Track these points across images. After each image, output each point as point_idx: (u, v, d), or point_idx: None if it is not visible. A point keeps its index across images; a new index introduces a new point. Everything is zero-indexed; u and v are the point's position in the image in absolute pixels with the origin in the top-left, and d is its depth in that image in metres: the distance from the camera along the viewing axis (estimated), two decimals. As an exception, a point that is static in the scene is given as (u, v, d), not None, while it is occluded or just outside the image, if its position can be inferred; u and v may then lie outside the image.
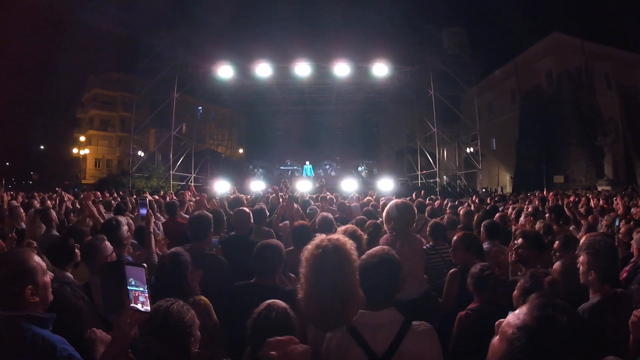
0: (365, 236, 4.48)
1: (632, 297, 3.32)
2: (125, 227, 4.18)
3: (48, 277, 2.37)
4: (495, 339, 1.42)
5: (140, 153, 32.01)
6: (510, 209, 8.39)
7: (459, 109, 27.03)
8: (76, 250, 3.85)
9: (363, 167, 31.64)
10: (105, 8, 32.35)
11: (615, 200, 9.73)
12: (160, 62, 24.89)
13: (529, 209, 7.85)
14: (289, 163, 33.10)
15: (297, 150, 32.64)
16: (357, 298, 2.71)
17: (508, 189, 34.98)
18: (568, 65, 34.30)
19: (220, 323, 3.18)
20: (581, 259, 3.09)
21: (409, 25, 27.68)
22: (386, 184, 16.30)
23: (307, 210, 7.96)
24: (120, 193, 16.13)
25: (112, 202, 10.20)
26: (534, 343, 1.26)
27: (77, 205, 10.26)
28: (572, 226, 7.10)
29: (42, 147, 58.31)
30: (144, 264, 1.86)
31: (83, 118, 52.73)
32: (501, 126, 40.56)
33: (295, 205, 6.83)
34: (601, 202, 10.95)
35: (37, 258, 2.33)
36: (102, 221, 4.91)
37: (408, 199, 8.91)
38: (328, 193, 11.69)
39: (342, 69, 22.21)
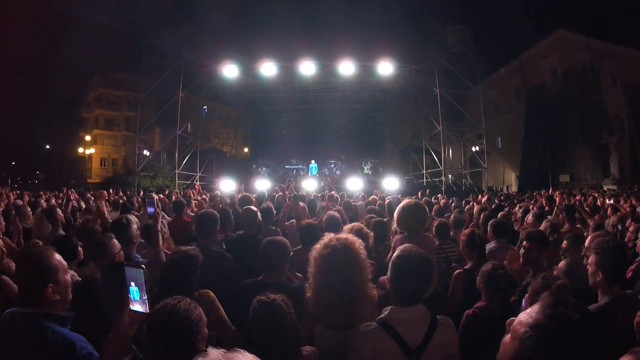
0: (371, 234, 4.48)
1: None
2: (135, 226, 4.20)
3: (69, 275, 2.42)
4: (507, 337, 1.41)
5: (146, 152, 32.11)
6: (517, 208, 8.37)
7: (464, 107, 26.92)
8: (79, 248, 3.87)
9: (368, 165, 31.56)
10: (110, 6, 32.43)
11: (620, 200, 9.71)
12: (165, 61, 24.91)
13: (535, 209, 7.83)
14: (294, 162, 33.07)
15: (302, 149, 32.60)
16: (365, 297, 2.72)
17: (514, 188, 34.89)
18: (573, 63, 34.16)
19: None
20: (590, 259, 3.07)
21: (413, 23, 27.65)
22: (391, 183, 16.30)
23: (317, 209, 7.96)
24: (127, 193, 16.19)
25: (119, 200, 10.24)
26: (546, 341, 1.26)
27: (82, 204, 10.28)
28: (579, 225, 7.07)
29: (47, 146, 58.58)
30: (143, 266, 1.87)
31: (88, 117, 52.89)
32: (506, 124, 40.41)
33: (302, 204, 6.84)
34: (612, 200, 10.91)
35: (58, 257, 2.38)
36: (110, 220, 4.92)
37: (414, 198, 8.89)
38: (334, 192, 11.68)
39: (346, 68, 22.18)
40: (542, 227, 5.26)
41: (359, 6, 29.44)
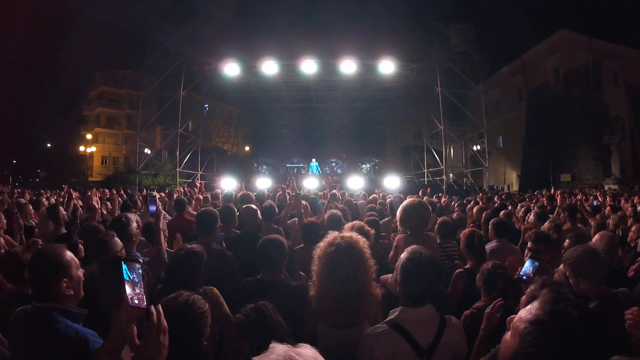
0: (372, 231, 4.47)
1: (634, 296, 3.28)
2: (134, 224, 4.21)
3: (80, 271, 2.46)
4: (507, 334, 1.44)
5: (147, 150, 32.14)
6: (519, 207, 8.37)
7: (466, 107, 26.89)
8: (80, 246, 3.88)
9: (367, 165, 31.58)
10: (111, 4, 32.42)
11: (621, 200, 9.71)
12: (166, 60, 24.92)
13: (536, 208, 7.83)
14: (295, 161, 33.10)
15: (303, 148, 32.67)
16: (369, 296, 2.71)
17: (515, 187, 34.85)
18: (575, 63, 34.05)
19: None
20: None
21: (415, 22, 27.70)
22: (392, 182, 16.29)
23: (318, 207, 7.95)
24: (129, 191, 16.20)
25: (119, 199, 10.25)
26: (547, 337, 1.28)
27: (80, 202, 10.30)
28: (580, 225, 7.07)
29: (49, 144, 58.62)
30: (140, 260, 1.87)
31: (89, 116, 52.82)
32: (508, 124, 40.33)
33: (304, 202, 6.84)
34: (608, 199, 10.92)
35: (70, 253, 2.43)
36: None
37: (416, 197, 8.91)
38: (335, 190, 11.68)
39: (348, 66, 22.17)
40: (545, 227, 5.25)
41: (361, 4, 29.49)
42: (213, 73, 24.76)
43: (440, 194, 15.26)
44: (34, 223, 7.45)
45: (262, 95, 28.85)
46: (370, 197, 11.08)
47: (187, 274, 3.03)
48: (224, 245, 4.74)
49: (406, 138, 34.85)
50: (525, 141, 36.99)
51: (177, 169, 26.63)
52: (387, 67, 22.42)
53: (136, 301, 1.83)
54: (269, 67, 22.43)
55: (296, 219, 6.50)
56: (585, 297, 3.02)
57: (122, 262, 1.86)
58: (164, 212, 7.54)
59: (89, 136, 49.56)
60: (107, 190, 15.64)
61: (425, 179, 29.01)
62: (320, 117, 32.14)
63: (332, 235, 2.81)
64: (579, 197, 12.18)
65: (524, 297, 2.67)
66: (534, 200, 12.15)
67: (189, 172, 28.24)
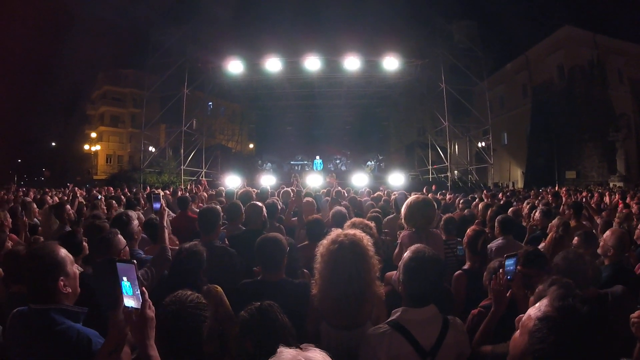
0: (374, 229, 4.43)
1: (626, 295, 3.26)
2: (135, 222, 4.21)
3: (75, 267, 2.42)
4: (517, 333, 1.43)
5: (151, 149, 32.17)
6: (525, 204, 8.32)
7: (470, 103, 26.82)
8: (84, 243, 3.87)
9: (371, 162, 31.52)
10: (114, 3, 32.48)
11: (627, 197, 9.67)
12: (170, 58, 24.96)
13: (541, 205, 7.79)
14: (299, 158, 33.08)
15: (307, 145, 32.60)
16: (373, 296, 2.67)
17: (520, 184, 34.77)
18: (580, 60, 33.91)
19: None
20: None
21: (419, 18, 27.65)
22: (397, 179, 16.25)
23: (322, 205, 7.93)
24: (134, 190, 16.24)
25: (122, 197, 10.27)
26: (556, 333, 1.27)
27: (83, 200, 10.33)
28: (585, 222, 7.03)
29: (53, 144, 58.82)
30: (134, 261, 1.85)
31: (94, 115, 53.05)
32: (512, 120, 40.23)
33: (310, 199, 6.82)
34: (616, 197, 10.86)
35: (63, 250, 2.37)
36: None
37: (420, 194, 8.87)
38: (340, 187, 11.66)
39: (352, 63, 22.10)
40: (553, 223, 5.21)
41: (365, 1, 29.39)
42: (216, 71, 24.73)
43: (444, 191, 15.22)
44: (38, 221, 7.47)
45: (266, 92, 28.81)
46: (375, 194, 11.07)
47: (190, 273, 3.03)
48: (227, 242, 4.72)
49: (410, 135, 34.79)
50: (530, 138, 36.89)
51: (182, 167, 26.64)
52: (390, 63, 22.34)
53: (132, 302, 1.81)
54: (273, 65, 22.39)
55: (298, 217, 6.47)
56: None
57: (117, 264, 1.85)
58: (168, 210, 7.55)
59: (93, 135, 49.71)
60: (111, 188, 15.70)
61: (430, 176, 28.96)
62: (323, 114, 32.01)
63: (335, 232, 2.77)
64: (584, 194, 12.13)
65: (532, 299, 2.64)
66: (539, 198, 12.11)
67: (193, 169, 28.27)
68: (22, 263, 2.92)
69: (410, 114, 33.09)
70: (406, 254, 2.56)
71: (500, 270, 2.84)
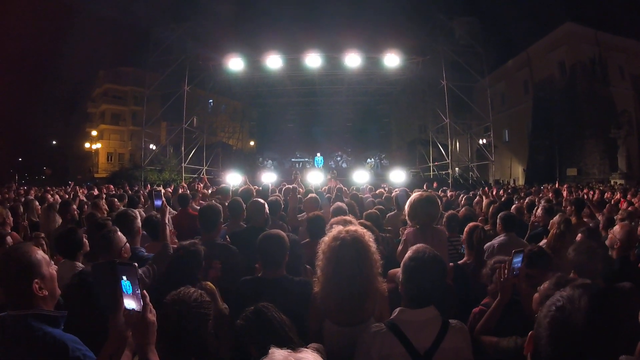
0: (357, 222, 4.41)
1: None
2: (139, 219, 4.21)
3: (52, 268, 2.32)
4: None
5: (152, 146, 32.17)
6: (527, 201, 8.32)
7: (471, 100, 26.75)
8: (85, 240, 3.86)
9: (372, 160, 31.52)
10: (113, 1, 32.48)
11: (628, 195, 9.66)
12: (170, 55, 24.93)
13: (544, 202, 7.77)
14: (298, 155, 33.08)
15: (308, 142, 32.60)
16: (375, 292, 2.65)
17: (521, 181, 34.70)
18: (581, 56, 33.77)
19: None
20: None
21: (420, 14, 27.58)
22: (398, 176, 16.25)
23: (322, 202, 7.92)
24: (135, 188, 16.24)
25: (124, 195, 10.27)
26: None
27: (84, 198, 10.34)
28: (586, 219, 7.02)
29: (54, 142, 58.88)
30: (135, 263, 1.83)
31: (94, 113, 53.01)
32: (514, 117, 40.13)
33: (313, 195, 6.82)
34: (617, 195, 10.84)
35: (39, 251, 2.29)
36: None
37: (422, 191, 8.86)
38: (341, 185, 11.66)
39: (353, 60, 22.06)
40: (555, 220, 5.19)
41: (365, -2, 29.34)
42: (217, 68, 24.73)
43: (445, 188, 15.21)
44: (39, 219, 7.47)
45: (267, 90, 28.81)
46: (377, 191, 11.08)
47: (187, 271, 3.02)
48: (228, 239, 4.71)
49: (411, 132, 34.76)
50: (531, 135, 36.80)
51: (183, 165, 26.65)
52: (392, 60, 22.30)
53: (133, 305, 1.80)
54: (273, 62, 22.35)
55: (304, 213, 6.47)
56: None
57: (118, 266, 1.83)
58: (169, 208, 7.53)
59: (94, 133, 49.71)
60: (112, 186, 15.70)
61: (431, 173, 28.96)
62: (325, 111, 32.01)
63: (337, 229, 2.75)
64: (585, 191, 12.11)
65: (536, 295, 2.62)
66: (540, 195, 12.09)
67: (194, 167, 28.29)
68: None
69: (411, 111, 33.05)
70: (407, 254, 2.54)
71: (507, 264, 2.84)
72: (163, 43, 24.86)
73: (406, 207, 4.46)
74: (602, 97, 32.81)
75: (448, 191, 13.34)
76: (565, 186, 12.49)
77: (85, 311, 2.41)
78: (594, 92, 32.79)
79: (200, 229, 4.39)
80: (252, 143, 42.11)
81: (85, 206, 8.62)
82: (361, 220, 4.47)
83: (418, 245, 2.59)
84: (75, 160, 54.69)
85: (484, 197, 9.22)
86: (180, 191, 10.10)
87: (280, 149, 33.16)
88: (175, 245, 3.61)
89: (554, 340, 1.31)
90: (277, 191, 9.42)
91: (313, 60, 22.25)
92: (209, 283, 3.22)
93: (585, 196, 8.79)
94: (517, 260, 2.89)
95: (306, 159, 32.63)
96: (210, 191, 11.27)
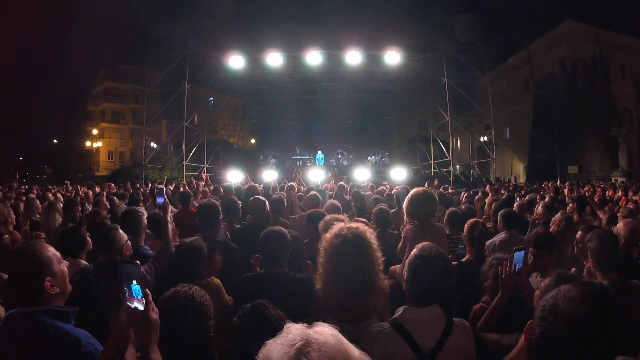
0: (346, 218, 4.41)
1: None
2: (145, 217, 4.23)
3: (64, 265, 2.34)
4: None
5: (153, 144, 32.17)
6: (527, 198, 8.32)
7: (472, 97, 26.73)
8: (88, 238, 3.87)
9: (372, 157, 31.54)
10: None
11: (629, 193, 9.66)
12: (170, 53, 24.93)
13: (546, 199, 7.77)
14: (298, 152, 33.11)
15: (309, 140, 32.66)
16: (377, 289, 2.64)
17: (522, 179, 34.68)
18: (582, 54, 33.72)
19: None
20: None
21: (420, 12, 27.53)
22: (399, 173, 16.25)
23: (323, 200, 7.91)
24: (137, 185, 16.26)
25: (126, 193, 10.28)
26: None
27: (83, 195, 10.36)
28: (588, 217, 7.02)
29: (55, 141, 58.92)
30: (138, 262, 1.83)
31: (95, 111, 53.06)
32: (515, 115, 40.08)
33: (314, 193, 6.83)
34: (619, 193, 10.84)
35: (51, 248, 2.29)
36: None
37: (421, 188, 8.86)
38: (342, 182, 11.66)
39: (353, 57, 22.07)
40: (556, 218, 5.19)
41: (366, -5, 29.29)
42: (217, 66, 24.73)
43: (446, 186, 15.21)
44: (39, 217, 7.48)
45: (267, 87, 28.83)
46: (379, 188, 11.09)
47: (190, 268, 3.02)
48: (229, 236, 4.71)
49: (412, 129, 34.74)
50: (532, 133, 36.76)
51: (184, 163, 26.67)
52: (392, 57, 22.31)
53: (135, 302, 1.79)
54: (274, 59, 22.37)
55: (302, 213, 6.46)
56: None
57: (120, 264, 1.82)
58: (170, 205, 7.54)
59: (94, 131, 49.80)
60: (113, 185, 15.72)
61: (432, 170, 28.93)
62: (325, 109, 32.03)
63: (338, 226, 2.74)
64: (586, 188, 12.10)
65: (537, 292, 2.61)
66: (540, 192, 12.08)
67: (195, 165, 28.31)
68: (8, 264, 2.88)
69: (412, 109, 33.03)
70: (412, 252, 2.53)
71: (509, 262, 2.84)
72: (163, 41, 24.86)
73: (405, 204, 4.45)
74: (603, 95, 32.75)
75: (449, 188, 13.35)
76: (566, 184, 12.47)
77: (86, 309, 2.40)
78: (595, 90, 32.74)
79: (200, 227, 4.39)
80: (252, 141, 42.12)
81: (87, 204, 8.64)
82: (357, 219, 4.46)
83: (424, 243, 2.57)
84: (76, 159, 54.77)
85: (489, 194, 9.22)
86: (181, 189, 10.11)
87: (281, 147, 33.22)
88: (177, 243, 3.62)
89: (543, 331, 1.32)
90: (279, 189, 9.43)
91: (313, 57, 22.25)
92: (214, 279, 3.23)
93: (587, 194, 8.77)
94: (519, 257, 2.88)
95: (307, 157, 32.67)
96: (211, 188, 11.27)
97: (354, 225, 2.71)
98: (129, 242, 3.65)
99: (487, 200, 7.82)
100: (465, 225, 4.42)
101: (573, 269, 3.33)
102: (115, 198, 8.76)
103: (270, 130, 34.25)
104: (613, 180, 23.77)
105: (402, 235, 4.38)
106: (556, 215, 5.26)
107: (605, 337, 1.30)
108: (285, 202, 6.23)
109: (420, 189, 4.55)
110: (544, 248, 3.72)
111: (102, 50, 54.11)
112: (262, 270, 3.34)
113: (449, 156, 26.59)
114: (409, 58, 23.57)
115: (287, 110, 33.06)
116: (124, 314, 1.81)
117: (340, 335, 1.08)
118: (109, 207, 8.04)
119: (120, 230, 3.63)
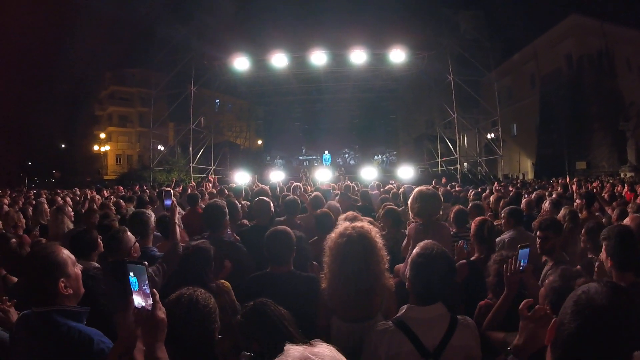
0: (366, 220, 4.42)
1: None
2: (152, 219, 4.25)
3: (78, 268, 2.38)
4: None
5: (160, 147, 32.31)
6: (534, 195, 8.28)
7: (478, 94, 26.65)
8: (99, 240, 3.91)
9: (379, 156, 31.50)
10: (119, 2, 32.59)
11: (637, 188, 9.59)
12: (175, 56, 25.05)
13: (554, 195, 7.74)
14: (304, 151, 33.13)
15: (316, 140, 32.64)
16: (383, 288, 2.65)
17: (530, 176, 34.52)
18: (588, 48, 33.53)
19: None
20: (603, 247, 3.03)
21: (425, 9, 27.46)
22: (406, 172, 16.22)
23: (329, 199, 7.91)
24: (144, 187, 16.34)
25: (133, 197, 10.33)
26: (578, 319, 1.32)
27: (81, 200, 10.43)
28: (597, 213, 6.97)
29: (63, 145, 59.19)
30: (145, 262, 1.85)
31: (102, 115, 53.40)
32: (521, 111, 39.88)
33: (317, 193, 6.83)
34: (625, 188, 10.79)
35: (65, 250, 2.34)
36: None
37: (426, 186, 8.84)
38: (349, 182, 11.66)
39: (358, 57, 22.03)
40: (560, 215, 5.17)
41: (370, -6, 29.27)
42: (223, 68, 24.78)
43: (454, 183, 15.18)
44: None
45: (273, 88, 28.83)
46: (386, 187, 11.08)
47: (197, 270, 3.03)
48: (236, 237, 4.72)
49: (419, 128, 34.70)
50: (540, 129, 36.59)
51: (191, 165, 26.78)
52: (397, 56, 22.24)
53: (142, 303, 1.82)
54: (279, 60, 22.39)
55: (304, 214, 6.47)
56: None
57: (128, 265, 1.85)
58: (178, 207, 7.57)
59: (102, 135, 50.08)
60: (121, 188, 15.81)
61: (439, 168, 28.84)
62: (331, 108, 32.02)
63: (342, 225, 2.75)
64: (595, 184, 12.03)
65: (542, 289, 2.61)
66: (549, 189, 12.02)
67: (202, 167, 28.40)
68: (23, 265, 2.94)
69: (418, 107, 32.98)
70: (414, 250, 2.52)
71: (514, 259, 2.83)
72: (168, 43, 25.00)
73: (409, 202, 4.46)
74: (609, 90, 32.55)
75: (457, 186, 13.32)
76: (574, 180, 12.40)
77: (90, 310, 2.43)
78: (601, 85, 32.54)
79: (207, 228, 4.40)
80: (259, 142, 42.17)
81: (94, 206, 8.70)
82: (356, 215, 4.47)
83: (426, 241, 2.56)
84: (84, 163, 54.99)
85: (495, 193, 9.20)
86: (189, 191, 10.15)
87: (288, 147, 33.23)
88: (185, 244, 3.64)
89: (577, 319, 1.32)
90: (286, 189, 9.44)
91: (318, 57, 22.24)
92: (224, 281, 3.24)
93: (595, 190, 8.73)
94: (523, 254, 2.88)
95: (314, 157, 32.67)
96: (218, 189, 11.32)
97: (358, 224, 2.72)
98: (137, 243, 3.69)
99: (491, 198, 7.80)
100: (473, 223, 4.40)
101: (578, 266, 3.31)
102: (121, 201, 8.81)
103: (276, 131, 34.26)
104: (622, 176, 23.63)
105: (407, 232, 4.38)
106: (561, 212, 5.25)
107: (636, 329, 1.32)
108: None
109: (424, 187, 4.55)
110: (549, 229, 3.75)
111: (108, 54, 54.21)
112: (268, 269, 3.35)
113: (456, 154, 26.51)
114: (413, 56, 23.50)
115: (292, 110, 33.06)
116: (131, 314, 1.83)
117: (339, 356, 1.09)
118: (115, 210, 8.09)
119: (129, 232, 3.68)
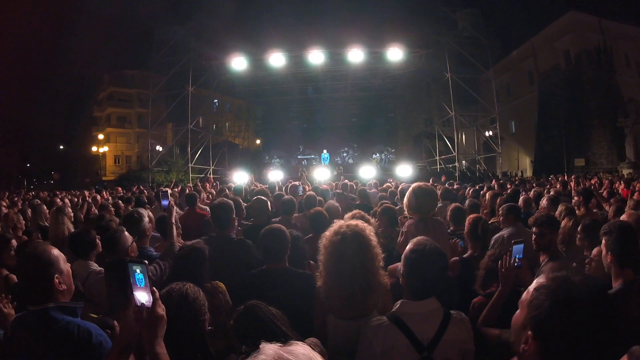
0: (373, 220, 4.44)
1: None
2: (146, 219, 4.25)
3: (68, 266, 2.43)
4: (517, 312, 1.47)
5: (159, 147, 32.30)
6: (532, 193, 8.30)
7: (477, 92, 26.64)
8: (97, 240, 3.93)
9: (377, 155, 31.53)
10: (118, 4, 32.60)
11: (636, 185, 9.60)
12: (173, 57, 25.04)
13: (551, 192, 7.75)
14: (302, 150, 33.16)
15: (314, 139, 32.65)
16: (378, 286, 2.66)
17: (528, 173, 34.52)
18: (586, 45, 33.47)
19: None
20: (602, 242, 3.02)
21: (422, 7, 27.42)
22: (404, 170, 16.24)
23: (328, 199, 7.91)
24: (141, 188, 16.35)
25: (132, 198, 10.34)
26: (550, 298, 1.30)
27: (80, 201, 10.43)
28: (595, 210, 6.98)
29: (61, 147, 59.20)
30: (146, 261, 1.86)
31: (100, 116, 53.42)
32: (520, 108, 39.85)
33: (311, 193, 6.84)
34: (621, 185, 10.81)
35: (55, 249, 2.39)
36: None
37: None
38: (347, 180, 11.67)
39: (356, 55, 22.04)
40: (557, 212, 5.19)
41: (367, -8, 29.29)
42: (221, 68, 24.80)
43: (452, 181, 15.20)
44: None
45: (271, 88, 28.85)
46: (384, 185, 11.09)
47: (191, 270, 3.05)
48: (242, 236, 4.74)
49: (417, 126, 34.69)
50: (538, 126, 36.56)
51: (190, 165, 26.79)
52: (395, 54, 22.26)
53: (143, 301, 1.83)
54: (276, 60, 22.41)
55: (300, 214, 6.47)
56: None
57: (128, 263, 1.86)
58: (175, 207, 7.58)
59: (100, 136, 50.10)
60: (120, 189, 15.81)
61: (438, 166, 28.86)
62: (329, 107, 32.05)
63: (337, 224, 2.77)
64: (593, 181, 12.04)
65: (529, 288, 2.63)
66: (547, 186, 12.04)
67: (201, 167, 28.41)
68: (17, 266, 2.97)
69: (416, 105, 32.99)
70: (408, 246, 2.52)
71: (508, 254, 2.84)
72: (166, 44, 25.00)
73: (405, 199, 4.47)
74: (608, 86, 32.50)
75: (455, 184, 13.34)
76: (573, 177, 12.42)
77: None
78: (600, 81, 32.50)
79: (214, 227, 4.38)
80: (258, 141, 42.18)
81: (93, 208, 8.71)
82: (363, 214, 4.48)
83: (419, 237, 2.57)
84: (82, 164, 55.09)
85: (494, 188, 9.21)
86: (187, 191, 10.16)
87: (286, 147, 33.27)
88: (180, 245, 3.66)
89: (555, 302, 1.30)
90: (277, 189, 9.44)
91: (316, 57, 22.26)
92: (219, 282, 3.26)
93: (593, 186, 8.73)
94: (518, 250, 2.89)
95: (312, 156, 32.69)
96: (215, 190, 11.33)
97: (353, 222, 2.73)
98: (134, 243, 3.71)
99: (487, 195, 7.81)
100: (467, 221, 4.42)
101: (574, 264, 3.32)
102: (119, 201, 8.82)
103: (274, 131, 34.29)
104: (621, 172, 23.63)
105: (403, 230, 4.40)
106: (558, 209, 5.26)
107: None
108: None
109: (420, 183, 4.56)
110: (544, 225, 3.75)
111: (106, 56, 54.33)
112: (264, 267, 3.37)
113: (455, 152, 26.51)
114: (411, 54, 23.51)
115: (291, 110, 33.09)
116: (132, 312, 1.85)
117: (314, 354, 1.10)
118: (114, 211, 8.09)
119: (126, 233, 3.71)
